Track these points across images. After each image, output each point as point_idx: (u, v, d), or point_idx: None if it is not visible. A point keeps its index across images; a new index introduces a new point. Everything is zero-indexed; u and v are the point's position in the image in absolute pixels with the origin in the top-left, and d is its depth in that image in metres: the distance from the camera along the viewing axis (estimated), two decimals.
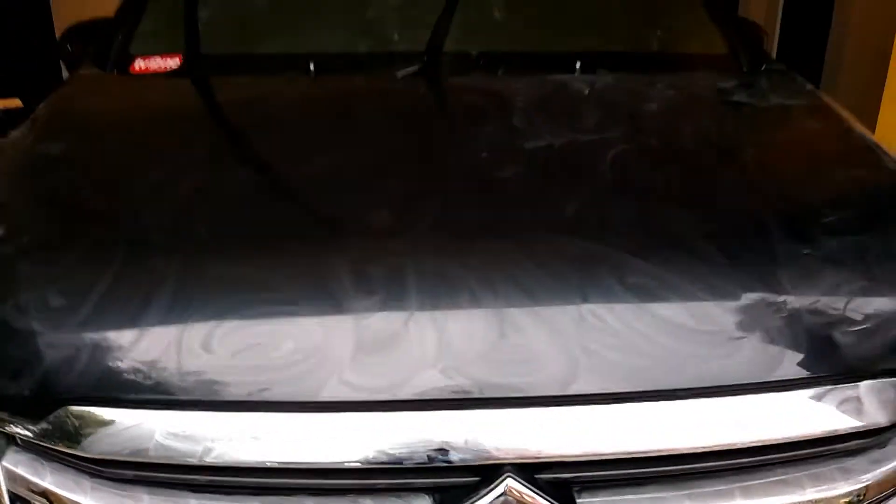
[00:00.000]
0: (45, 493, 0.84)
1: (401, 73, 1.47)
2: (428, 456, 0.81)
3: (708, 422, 0.85)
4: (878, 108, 3.06)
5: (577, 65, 1.50)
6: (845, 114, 1.43)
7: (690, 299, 0.90)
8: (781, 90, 1.53)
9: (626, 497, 0.85)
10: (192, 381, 0.82)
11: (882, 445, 0.91)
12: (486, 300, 0.87)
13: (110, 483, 0.83)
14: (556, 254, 0.94)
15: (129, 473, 0.83)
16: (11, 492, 0.85)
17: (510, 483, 0.80)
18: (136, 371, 0.83)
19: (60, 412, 0.83)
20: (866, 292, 0.94)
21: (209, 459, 0.80)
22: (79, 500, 0.83)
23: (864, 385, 0.89)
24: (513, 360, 0.84)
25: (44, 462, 0.85)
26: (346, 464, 0.81)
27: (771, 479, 0.87)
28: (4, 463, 0.86)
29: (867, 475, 0.89)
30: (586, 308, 0.87)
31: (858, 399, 0.88)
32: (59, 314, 0.88)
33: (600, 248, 0.94)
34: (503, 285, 0.88)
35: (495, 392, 0.83)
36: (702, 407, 0.85)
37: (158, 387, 0.82)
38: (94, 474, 0.84)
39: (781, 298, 0.91)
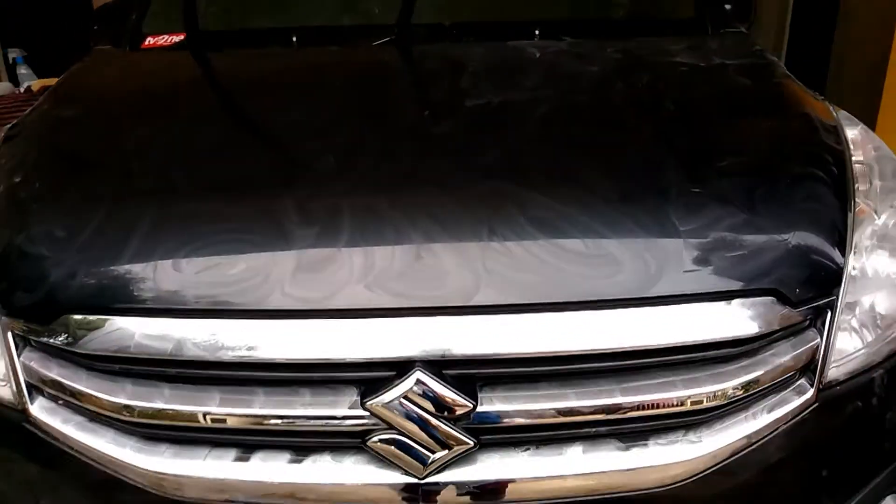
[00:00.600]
0: (52, 382, 1.04)
1: (375, 43, 1.64)
2: (353, 354, 0.98)
3: (591, 330, 0.98)
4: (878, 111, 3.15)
5: (536, 32, 1.64)
6: (781, 73, 1.53)
7: (581, 228, 1.05)
8: (727, 51, 1.64)
9: (521, 393, 1.00)
10: (164, 293, 1.01)
11: (752, 355, 1.05)
12: (406, 229, 1.04)
13: (101, 374, 1.03)
14: (470, 192, 1.10)
15: (116, 367, 1.02)
16: (27, 381, 1.07)
17: (419, 375, 0.96)
18: (121, 286, 1.03)
19: (62, 319, 1.03)
20: (744, 225, 1.07)
21: (177, 356, 0.99)
22: (77, 387, 1.03)
23: (736, 302, 1.02)
24: (425, 277, 1.01)
25: (51, 357, 1.06)
26: (288, 360, 0.98)
27: (648, 381, 1.02)
28: (22, 359, 1.07)
29: (735, 380, 1.02)
30: (491, 235, 1.03)
31: (729, 314, 1.02)
32: (62, 243, 1.09)
33: (509, 187, 1.10)
34: (421, 217, 1.05)
35: (409, 303, 0.99)
36: (586, 317, 0.99)
37: (138, 298, 1.02)
38: (88, 367, 1.04)
39: (666, 228, 1.05)
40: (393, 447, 0.98)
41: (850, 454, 1.14)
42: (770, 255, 1.05)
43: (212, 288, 1.02)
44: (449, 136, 1.26)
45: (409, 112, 1.32)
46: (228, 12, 1.87)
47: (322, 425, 0.99)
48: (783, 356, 1.05)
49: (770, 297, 1.03)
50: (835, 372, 1.07)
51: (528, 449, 1.01)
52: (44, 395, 1.07)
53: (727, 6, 2.13)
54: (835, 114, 1.40)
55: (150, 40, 1.81)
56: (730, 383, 1.02)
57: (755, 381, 1.03)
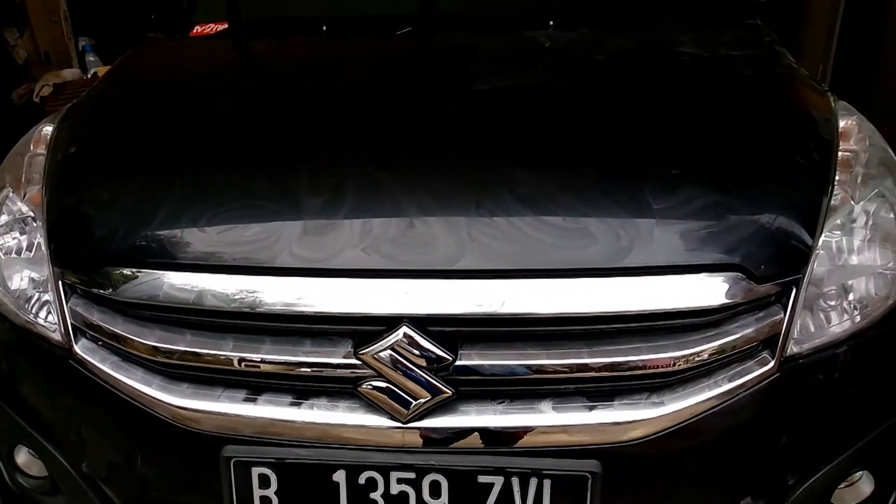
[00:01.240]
0: (93, 325, 1.20)
1: (399, 32, 1.76)
2: (349, 309, 1.10)
3: (564, 295, 1.08)
4: None
5: (551, 22, 1.73)
6: (784, 63, 1.58)
7: (561, 203, 1.14)
8: (736, 42, 1.69)
9: (496, 350, 1.10)
10: (189, 251, 1.16)
11: (716, 326, 1.12)
12: (402, 200, 1.15)
13: (134, 319, 1.19)
14: (464, 167, 1.21)
15: (147, 313, 1.18)
16: (73, 324, 1.23)
17: (405, 330, 1.08)
18: (153, 244, 1.18)
19: (104, 270, 1.18)
20: (715, 205, 1.15)
21: (197, 305, 1.13)
22: (114, 330, 1.18)
23: (702, 276, 1.10)
24: (415, 242, 1.12)
25: (93, 304, 1.22)
26: (292, 311, 1.11)
27: (616, 345, 1.11)
28: (69, 305, 1.23)
29: (698, 348, 1.10)
30: (477, 207, 1.14)
31: (694, 286, 1.10)
32: (106, 205, 1.25)
33: (499, 163, 1.20)
34: (418, 190, 1.17)
35: (400, 265, 1.11)
36: (560, 284, 1.09)
37: (167, 254, 1.17)
38: (124, 313, 1.19)
39: (640, 205, 1.14)
40: (380, 393, 1.10)
41: (814, 428, 1.19)
42: (737, 233, 1.12)
43: (229, 247, 1.15)
44: (452, 117, 1.37)
45: (418, 95, 1.44)
46: (267, 3, 2.03)
47: (320, 372, 1.12)
48: (746, 328, 1.12)
49: (735, 273, 1.10)
50: (798, 347, 1.14)
51: (503, 402, 1.12)
52: (86, 337, 1.23)
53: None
54: (833, 104, 1.44)
55: (197, 28, 1.98)
56: (693, 350, 1.10)
57: (718, 350, 1.11)
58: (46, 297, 1.25)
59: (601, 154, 1.25)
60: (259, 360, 1.13)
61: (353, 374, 1.11)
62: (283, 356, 1.13)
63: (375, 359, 1.09)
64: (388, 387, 1.10)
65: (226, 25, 1.94)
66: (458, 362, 1.09)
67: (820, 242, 1.16)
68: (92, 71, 4.32)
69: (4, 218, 1.33)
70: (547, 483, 1.09)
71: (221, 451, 1.13)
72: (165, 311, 1.16)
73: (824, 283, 1.16)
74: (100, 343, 1.22)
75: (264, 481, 1.14)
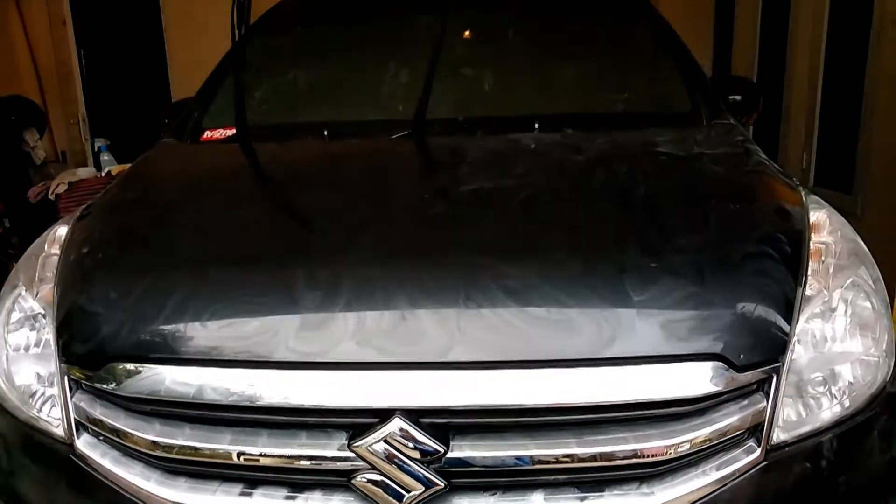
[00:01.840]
0: (95, 420, 1.24)
1: (394, 136, 1.87)
2: (343, 402, 1.14)
3: (552, 386, 1.12)
4: None
5: (536, 125, 1.84)
6: (756, 161, 1.67)
7: (546, 296, 1.20)
8: (711, 141, 1.79)
9: (488, 442, 1.13)
10: (190, 347, 1.21)
11: (700, 415, 1.15)
12: (395, 295, 1.21)
13: (135, 414, 1.22)
14: (453, 264, 1.27)
15: (148, 408, 1.21)
16: (76, 419, 1.26)
17: (398, 422, 1.11)
18: (157, 340, 1.23)
19: (109, 366, 1.23)
20: (693, 296, 1.20)
21: (197, 399, 1.17)
22: (116, 424, 1.22)
23: (683, 365, 1.14)
24: (407, 335, 1.17)
25: (96, 399, 1.25)
26: (288, 404, 1.15)
27: (604, 435, 1.13)
28: (73, 400, 1.27)
29: (684, 437, 1.12)
30: (466, 301, 1.19)
31: (676, 376, 1.13)
32: (113, 303, 1.31)
33: (486, 259, 1.26)
34: (409, 285, 1.22)
35: (393, 358, 1.15)
36: (547, 374, 1.13)
37: (169, 350, 1.21)
38: (126, 408, 1.23)
39: (621, 298, 1.19)
40: (374, 486, 1.12)
41: None
42: (716, 323, 1.17)
43: (228, 342, 1.20)
44: (441, 216, 1.45)
45: (410, 195, 1.53)
46: (272, 110, 2.17)
47: (315, 465, 1.14)
48: (731, 417, 1.15)
49: (715, 362, 1.14)
50: (783, 434, 1.16)
51: (495, 493, 1.14)
52: (88, 432, 1.26)
53: (736, 98, 2.32)
54: (804, 199, 1.52)
55: (207, 133, 2.11)
56: (679, 439, 1.12)
57: (704, 439, 1.13)
58: (51, 391, 1.30)
59: (585, 249, 1.31)
60: (256, 453, 1.15)
61: (348, 467, 1.13)
62: (279, 449, 1.15)
63: (369, 451, 1.11)
64: (381, 479, 1.12)
65: (233, 131, 2.06)
66: (450, 454, 1.11)
67: (797, 330, 1.21)
68: (106, 169, 4.50)
69: (16, 315, 1.39)
70: None
71: None
72: (166, 405, 1.20)
73: (806, 370, 1.20)
74: (101, 438, 1.25)
75: None
